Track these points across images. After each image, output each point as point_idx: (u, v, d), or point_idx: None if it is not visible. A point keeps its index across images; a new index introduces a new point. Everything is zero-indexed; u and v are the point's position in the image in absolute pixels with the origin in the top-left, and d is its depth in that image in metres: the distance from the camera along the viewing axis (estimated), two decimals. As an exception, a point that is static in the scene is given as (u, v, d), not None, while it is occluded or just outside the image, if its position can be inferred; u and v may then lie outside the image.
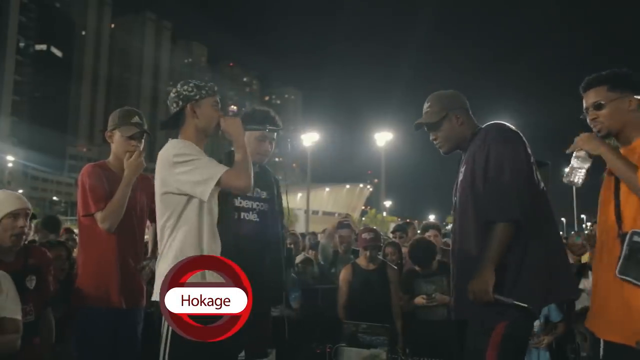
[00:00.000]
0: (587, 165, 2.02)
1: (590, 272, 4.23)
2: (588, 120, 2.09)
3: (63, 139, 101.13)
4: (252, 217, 2.76)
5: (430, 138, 2.43)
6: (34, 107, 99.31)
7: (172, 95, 2.27)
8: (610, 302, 1.93)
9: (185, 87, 2.24)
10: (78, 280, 2.75)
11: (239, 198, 2.73)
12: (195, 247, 2.11)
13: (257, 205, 2.79)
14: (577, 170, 2.04)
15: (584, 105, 2.09)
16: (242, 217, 2.73)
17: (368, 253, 3.97)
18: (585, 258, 5.73)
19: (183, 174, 2.08)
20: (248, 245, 2.61)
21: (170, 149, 2.14)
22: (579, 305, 4.10)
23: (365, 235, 4.01)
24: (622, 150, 2.03)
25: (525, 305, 2.05)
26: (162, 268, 2.09)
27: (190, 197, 2.11)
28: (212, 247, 2.16)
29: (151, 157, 2.88)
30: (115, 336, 2.66)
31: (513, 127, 2.28)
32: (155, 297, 2.12)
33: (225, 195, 2.67)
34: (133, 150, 2.79)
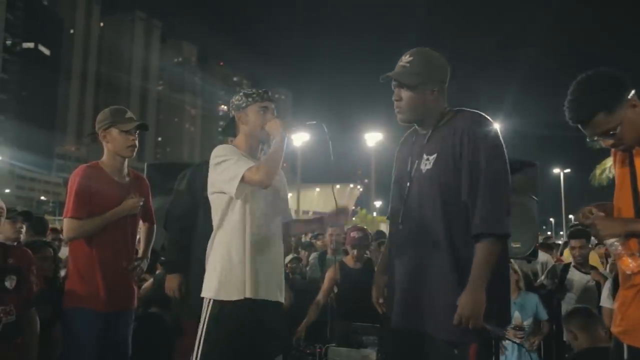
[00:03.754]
0: (628, 246, 1.82)
1: (574, 270, 4.29)
2: (602, 145, 1.87)
3: (51, 138, 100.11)
4: None
5: (393, 97, 2.10)
6: (21, 105, 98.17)
7: (229, 105, 2.46)
8: (633, 308, 1.84)
9: (237, 96, 2.40)
10: (67, 282, 2.73)
11: None
12: (239, 244, 2.21)
13: None
14: (627, 258, 1.82)
15: (587, 133, 1.85)
16: None
17: (356, 252, 3.96)
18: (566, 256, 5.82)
19: (218, 174, 2.22)
20: None
21: (212, 153, 2.28)
22: (565, 305, 4.15)
23: (354, 234, 4.01)
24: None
25: (509, 338, 1.89)
26: (211, 264, 2.25)
27: (232, 198, 2.21)
28: (257, 244, 2.23)
29: (140, 156, 2.87)
30: (104, 338, 2.64)
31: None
32: (205, 293, 2.22)
33: None
34: (133, 144, 2.78)
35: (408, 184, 2.09)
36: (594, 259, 5.65)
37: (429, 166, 2.02)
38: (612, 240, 1.81)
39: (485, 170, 1.92)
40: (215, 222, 2.29)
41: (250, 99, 2.35)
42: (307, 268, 4.98)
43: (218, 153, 2.26)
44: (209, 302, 2.20)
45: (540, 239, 7.74)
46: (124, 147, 2.78)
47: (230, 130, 2.45)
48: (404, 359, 2.12)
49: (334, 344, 3.43)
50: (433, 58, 2.08)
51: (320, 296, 3.90)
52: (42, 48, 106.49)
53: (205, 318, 2.18)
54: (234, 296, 2.16)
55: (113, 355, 2.70)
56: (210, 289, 2.21)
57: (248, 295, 2.17)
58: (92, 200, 2.68)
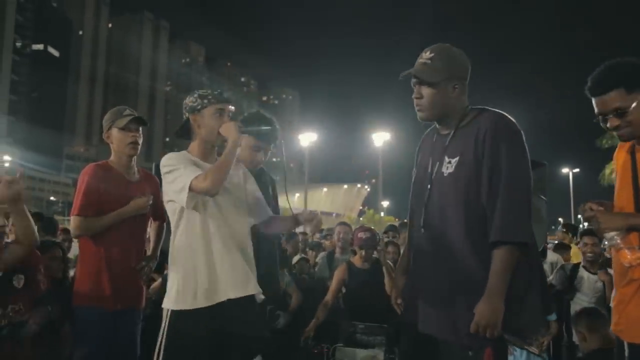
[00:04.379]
0: (628, 241, 1.84)
1: (583, 270, 4.25)
2: (605, 126, 1.87)
3: (60, 139, 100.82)
4: None
5: (414, 95, 2.04)
6: (31, 106, 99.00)
7: (182, 106, 2.34)
8: (632, 305, 1.85)
9: (191, 98, 2.30)
10: (76, 280, 2.75)
11: None
12: (195, 252, 2.16)
13: None
14: (626, 251, 1.83)
15: (597, 109, 1.86)
16: None
17: (364, 252, 3.96)
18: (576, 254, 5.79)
19: (168, 184, 2.17)
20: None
21: (162, 162, 2.23)
22: (574, 305, 4.12)
23: (361, 235, 4.00)
24: None
25: (535, 351, 1.83)
26: (170, 272, 2.22)
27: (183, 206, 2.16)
28: (220, 250, 2.17)
29: (148, 157, 2.88)
30: (112, 336, 2.65)
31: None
32: (164, 303, 2.18)
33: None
34: (134, 140, 2.78)
35: (429, 186, 2.03)
36: (574, 252, 5.67)
37: (450, 169, 1.96)
38: (612, 234, 1.82)
39: (506, 175, 1.85)
40: (172, 230, 2.23)
41: (205, 101, 2.24)
42: (316, 268, 4.98)
43: (166, 162, 2.20)
44: (167, 313, 2.14)
45: (554, 240, 7.68)
46: (125, 144, 2.78)
47: (184, 133, 2.34)
48: (417, 357, 2.12)
49: (341, 344, 3.43)
50: (455, 54, 2.02)
51: (328, 297, 3.90)
52: (51, 49, 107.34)
53: (164, 328, 2.12)
54: (191, 305, 2.11)
55: (121, 354, 2.71)
56: (169, 299, 2.16)
57: (204, 304, 2.11)
58: (102, 198, 2.69)
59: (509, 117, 1.97)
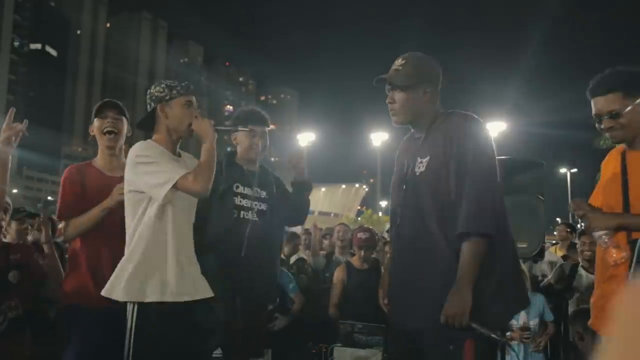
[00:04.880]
0: (613, 240, 1.88)
1: (581, 270, 4.26)
2: (599, 127, 1.96)
3: (58, 139, 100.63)
4: (251, 216, 2.76)
5: (387, 100, 2.16)
6: (29, 106, 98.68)
7: (146, 96, 2.29)
8: (612, 300, 1.90)
9: (157, 87, 2.27)
10: (66, 279, 2.66)
11: (239, 196, 2.74)
12: (160, 245, 2.12)
13: (257, 205, 2.80)
14: (612, 249, 1.87)
15: (594, 110, 1.95)
16: (241, 215, 2.73)
17: (362, 253, 3.96)
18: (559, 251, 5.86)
19: (143, 174, 2.12)
20: (246, 244, 2.64)
21: (134, 151, 2.17)
22: (572, 305, 4.12)
23: (360, 235, 4.01)
24: (633, 154, 1.96)
25: (498, 338, 1.88)
26: (129, 267, 2.12)
27: (151, 198, 2.12)
28: (179, 248, 2.15)
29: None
30: (105, 335, 2.50)
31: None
32: (127, 296, 2.09)
33: (225, 194, 2.69)
34: (108, 126, 2.62)
35: (404, 187, 2.13)
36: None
37: (422, 169, 2.06)
38: (600, 232, 1.88)
39: (471, 170, 1.94)
40: (132, 222, 2.16)
41: (174, 92, 2.23)
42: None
43: (142, 152, 2.14)
44: (132, 307, 2.08)
45: (552, 240, 7.66)
46: (100, 133, 2.63)
47: (148, 123, 2.30)
48: (403, 357, 2.15)
49: (339, 344, 3.43)
50: (425, 61, 2.14)
51: (335, 299, 3.95)
52: (49, 49, 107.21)
53: (132, 322, 2.07)
54: (159, 298, 2.07)
55: (115, 352, 2.62)
56: (131, 290, 2.08)
57: (172, 299, 2.08)
58: (86, 197, 2.58)
59: (476, 116, 2.08)
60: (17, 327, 2.45)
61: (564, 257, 5.39)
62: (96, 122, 2.66)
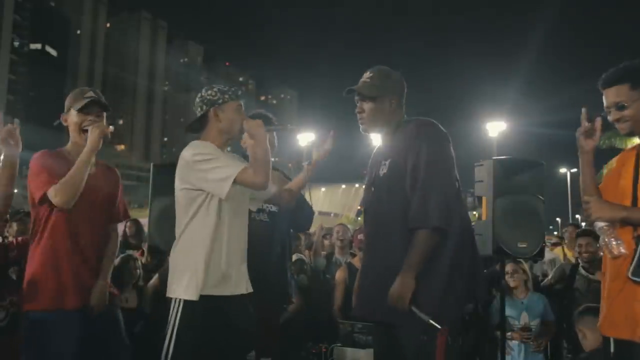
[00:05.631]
0: (615, 232, 1.87)
1: (582, 270, 4.25)
2: (610, 118, 2.01)
3: (58, 139, 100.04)
4: (263, 217, 2.79)
5: (356, 110, 2.36)
6: (29, 106, 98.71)
7: (197, 100, 2.34)
8: (619, 300, 1.89)
9: (210, 91, 2.33)
10: (27, 280, 2.36)
11: None
12: (214, 243, 2.18)
13: (268, 206, 2.81)
14: (612, 242, 1.87)
15: (605, 102, 2.01)
16: (253, 217, 2.74)
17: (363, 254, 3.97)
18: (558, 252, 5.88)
19: (203, 171, 2.16)
20: (258, 245, 2.62)
21: (191, 150, 2.23)
22: (573, 305, 4.12)
23: (361, 236, 4.02)
24: None
25: (438, 326, 1.97)
26: (177, 263, 2.20)
27: (208, 195, 2.17)
28: (232, 245, 2.22)
29: (146, 157, 2.84)
30: (77, 340, 2.30)
31: (442, 128, 2.25)
32: (171, 293, 2.17)
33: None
34: (90, 125, 2.43)
35: (372, 188, 2.30)
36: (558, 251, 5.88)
37: (384, 170, 2.23)
38: (602, 224, 1.88)
39: (423, 168, 2.09)
40: (183, 220, 2.21)
41: (227, 96, 2.30)
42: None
43: (201, 150, 2.22)
44: (177, 303, 2.14)
45: (550, 239, 7.69)
46: (79, 128, 2.46)
47: (198, 126, 2.34)
48: (384, 351, 2.24)
49: (339, 344, 3.43)
50: (390, 73, 2.35)
51: (339, 301, 4.00)
52: (49, 49, 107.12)
53: (174, 318, 2.12)
54: (203, 292, 2.13)
55: (101, 354, 2.43)
56: (179, 288, 2.15)
57: (216, 293, 2.15)
58: (60, 173, 2.35)
59: (433, 121, 2.26)
60: (19, 323, 2.45)
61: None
62: (75, 117, 2.48)
